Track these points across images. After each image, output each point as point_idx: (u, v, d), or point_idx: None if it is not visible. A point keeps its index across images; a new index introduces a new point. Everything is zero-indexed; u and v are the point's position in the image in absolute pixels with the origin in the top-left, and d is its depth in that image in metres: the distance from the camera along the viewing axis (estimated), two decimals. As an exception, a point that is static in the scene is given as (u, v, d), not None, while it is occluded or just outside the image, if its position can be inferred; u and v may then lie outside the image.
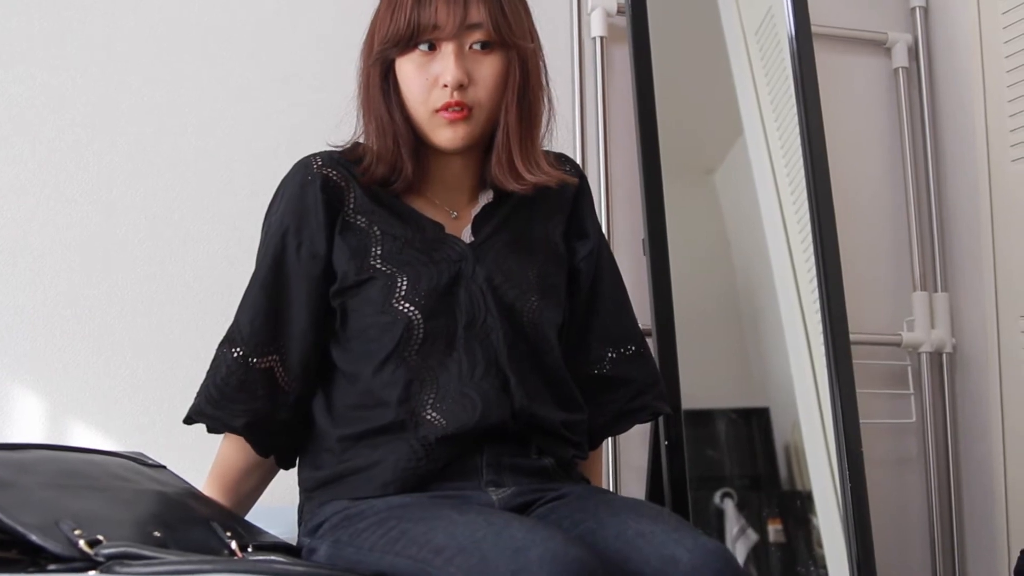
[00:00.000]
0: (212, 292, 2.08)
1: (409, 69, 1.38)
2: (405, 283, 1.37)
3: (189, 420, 1.42)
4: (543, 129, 1.47)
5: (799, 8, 2.33)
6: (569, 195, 1.54)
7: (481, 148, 1.46)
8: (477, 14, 1.36)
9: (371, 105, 1.42)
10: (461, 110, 1.37)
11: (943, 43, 2.62)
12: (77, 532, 1.03)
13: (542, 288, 1.43)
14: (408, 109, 1.40)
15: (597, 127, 2.33)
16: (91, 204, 2.05)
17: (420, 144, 1.42)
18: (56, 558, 1.01)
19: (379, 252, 1.39)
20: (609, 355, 1.54)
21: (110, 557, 1.02)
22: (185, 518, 1.21)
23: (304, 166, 1.44)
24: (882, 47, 2.63)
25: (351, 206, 1.42)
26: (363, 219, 1.41)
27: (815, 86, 2.30)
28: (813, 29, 2.35)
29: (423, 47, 1.37)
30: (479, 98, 1.38)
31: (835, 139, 2.36)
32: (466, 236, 1.44)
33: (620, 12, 2.35)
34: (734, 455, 2.35)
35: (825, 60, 2.45)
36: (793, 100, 2.30)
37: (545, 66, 1.47)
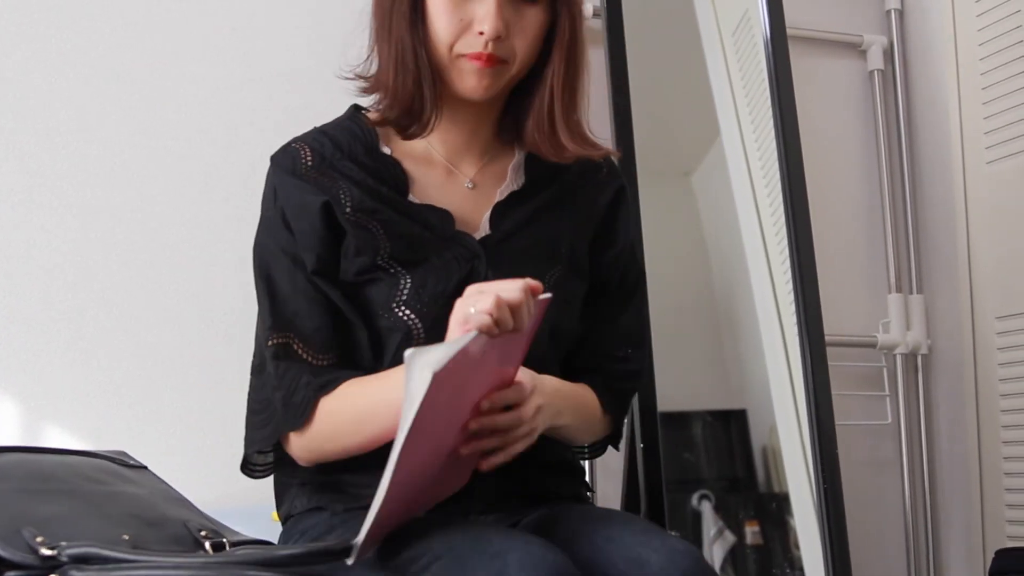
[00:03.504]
0: (190, 294, 2.06)
1: (442, 4, 1.25)
2: (408, 285, 1.27)
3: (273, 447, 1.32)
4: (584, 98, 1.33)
5: (775, 10, 2.33)
6: (603, 202, 1.42)
7: (501, 98, 1.33)
8: None
9: (393, 34, 1.27)
10: (492, 61, 1.24)
11: (918, 45, 2.63)
12: (39, 539, 1.02)
13: (558, 301, 1.29)
14: (430, 45, 1.26)
15: (573, 129, 2.32)
16: (67, 208, 2.03)
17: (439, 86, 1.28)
18: (14, 566, 1.00)
19: (386, 250, 1.28)
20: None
21: (72, 558, 1.00)
22: (157, 519, 1.19)
23: (291, 163, 1.31)
24: (857, 49, 2.63)
25: (348, 206, 1.29)
26: (363, 216, 1.29)
27: (790, 88, 2.30)
28: (789, 31, 2.35)
29: None
30: (514, 51, 1.25)
31: (811, 141, 2.36)
32: (484, 227, 1.33)
33: (596, 15, 2.34)
34: (711, 457, 2.36)
35: (801, 62, 2.45)
36: (769, 102, 2.30)
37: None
